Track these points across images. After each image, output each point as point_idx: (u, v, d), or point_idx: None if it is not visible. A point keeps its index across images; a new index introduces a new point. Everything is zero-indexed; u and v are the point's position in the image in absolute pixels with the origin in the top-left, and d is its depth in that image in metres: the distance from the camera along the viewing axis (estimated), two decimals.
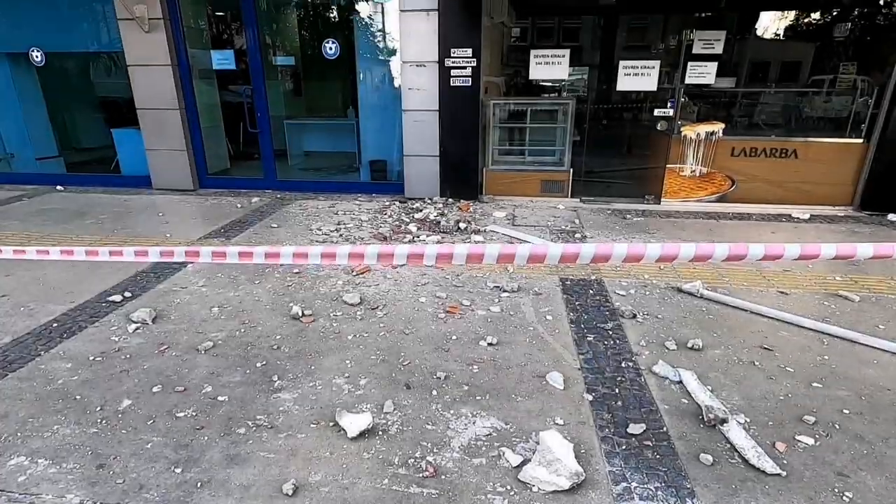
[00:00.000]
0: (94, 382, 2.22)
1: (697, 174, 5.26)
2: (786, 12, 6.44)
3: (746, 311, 2.86)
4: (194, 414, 2.00)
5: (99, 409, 2.04)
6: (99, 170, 6.60)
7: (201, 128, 5.95)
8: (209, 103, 6.11)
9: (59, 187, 6.16)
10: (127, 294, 3.09)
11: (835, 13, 5.59)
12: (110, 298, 3.03)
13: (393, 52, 5.55)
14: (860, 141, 4.94)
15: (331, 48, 5.48)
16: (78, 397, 2.11)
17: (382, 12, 5.72)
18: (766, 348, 2.47)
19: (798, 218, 4.79)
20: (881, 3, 5.09)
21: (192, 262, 3.47)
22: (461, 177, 5.35)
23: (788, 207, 5.05)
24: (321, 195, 5.74)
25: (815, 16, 6.39)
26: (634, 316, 2.80)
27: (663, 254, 1.46)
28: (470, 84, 5.00)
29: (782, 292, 3.10)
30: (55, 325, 2.74)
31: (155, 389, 2.16)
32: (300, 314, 2.81)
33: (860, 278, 3.31)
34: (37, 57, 6.04)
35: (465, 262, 1.59)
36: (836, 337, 2.57)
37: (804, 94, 5.70)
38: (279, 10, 6.55)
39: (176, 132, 5.78)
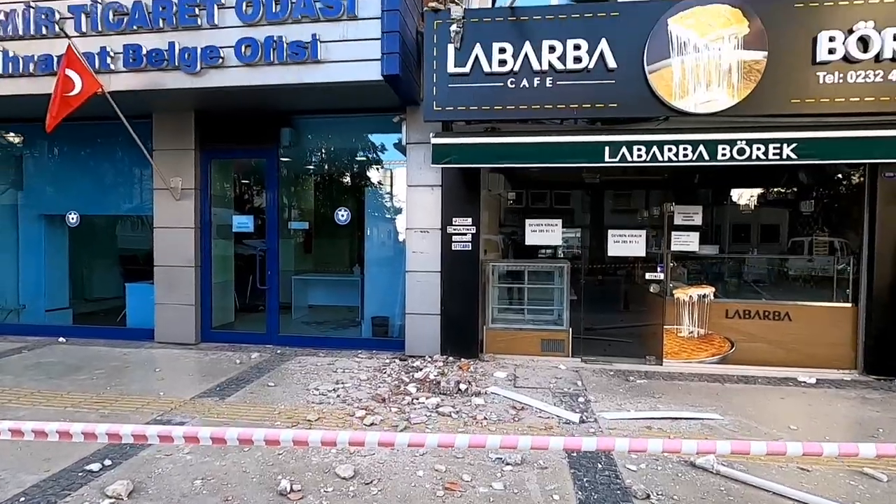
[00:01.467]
0: None
1: (696, 335, 5.31)
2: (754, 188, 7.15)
3: (768, 491, 2.65)
4: None
5: None
6: (105, 321, 6.70)
7: (212, 283, 6.20)
8: (223, 255, 6.46)
9: (61, 339, 6.18)
10: (107, 462, 2.91)
11: (796, 190, 6.20)
12: (88, 467, 2.85)
13: (399, 219, 6.06)
14: (849, 305, 5.09)
15: (343, 215, 5.99)
16: None
17: (391, 184, 6.39)
18: None
19: (804, 382, 4.70)
20: (838, 177, 5.67)
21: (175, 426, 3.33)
22: (461, 335, 5.41)
23: (792, 370, 4.99)
24: (322, 350, 5.73)
25: (781, 189, 7.07)
26: (648, 496, 2.59)
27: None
28: (470, 248, 5.36)
29: (803, 469, 2.91)
30: (22, 499, 2.54)
31: None
32: (288, 489, 2.62)
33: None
34: (72, 219, 6.59)
35: (467, 446, 1.55)
36: None
37: (786, 258, 6.04)
38: (298, 178, 7.30)
39: (188, 288, 6.01)
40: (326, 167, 6.74)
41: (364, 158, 6.58)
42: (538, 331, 5.60)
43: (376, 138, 6.32)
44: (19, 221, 6.89)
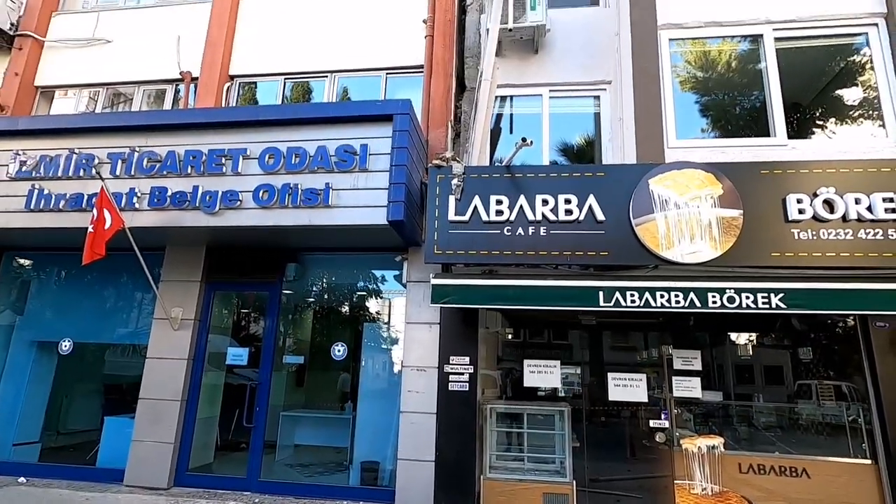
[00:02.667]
0: None
1: (710, 492, 4.92)
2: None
3: None
4: None
5: None
6: (74, 458, 6.23)
7: (196, 419, 5.91)
8: (213, 385, 6.24)
9: (21, 479, 5.70)
10: None
11: (793, 335, 6.24)
12: None
13: (395, 356, 6.00)
14: (868, 462, 4.81)
15: (339, 350, 5.96)
16: None
17: (389, 320, 6.45)
18: None
19: None
20: (831, 322, 5.73)
21: None
22: (457, 486, 5.01)
23: None
24: (304, 500, 5.25)
25: (778, 334, 7.09)
26: None
27: None
28: (467, 389, 5.22)
29: None
30: None
31: None
32: None
33: None
34: (65, 346, 6.52)
35: None
36: None
37: (794, 404, 5.83)
38: (298, 310, 7.37)
39: (170, 423, 5.72)
40: (327, 301, 6.86)
41: (364, 294, 6.73)
42: (540, 482, 5.20)
43: (378, 275, 6.54)
44: (10, 346, 6.79)
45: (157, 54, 7.24)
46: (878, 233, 4.52)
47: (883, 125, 5.20)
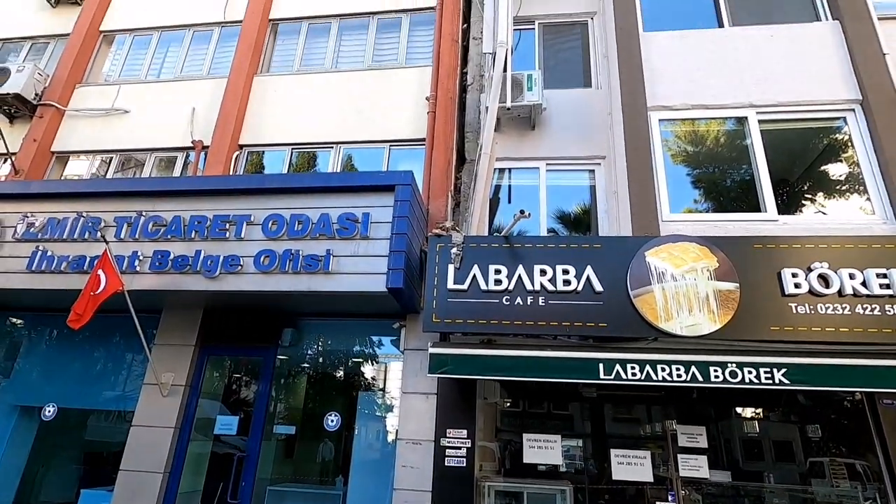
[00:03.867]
0: None
1: None
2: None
3: None
4: None
5: None
6: None
7: (178, 493, 5.60)
8: (198, 454, 5.94)
9: None
10: None
11: (800, 410, 6.06)
12: None
13: (390, 427, 5.79)
14: None
15: (332, 420, 5.77)
16: None
17: (385, 389, 6.28)
18: None
19: None
20: (837, 398, 5.59)
21: None
22: None
23: None
24: None
25: (785, 409, 6.88)
26: None
27: None
28: (465, 465, 5.00)
29: None
30: None
31: None
32: None
33: None
34: (48, 412, 6.30)
35: None
36: None
37: (808, 483, 5.55)
38: (292, 376, 7.19)
39: (150, 498, 5.42)
40: (322, 367, 6.72)
41: (360, 361, 6.61)
42: None
43: (375, 342, 6.47)
44: None
45: (171, 124, 7.59)
46: (875, 308, 4.53)
47: (869, 201, 5.37)
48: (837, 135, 5.70)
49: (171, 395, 5.83)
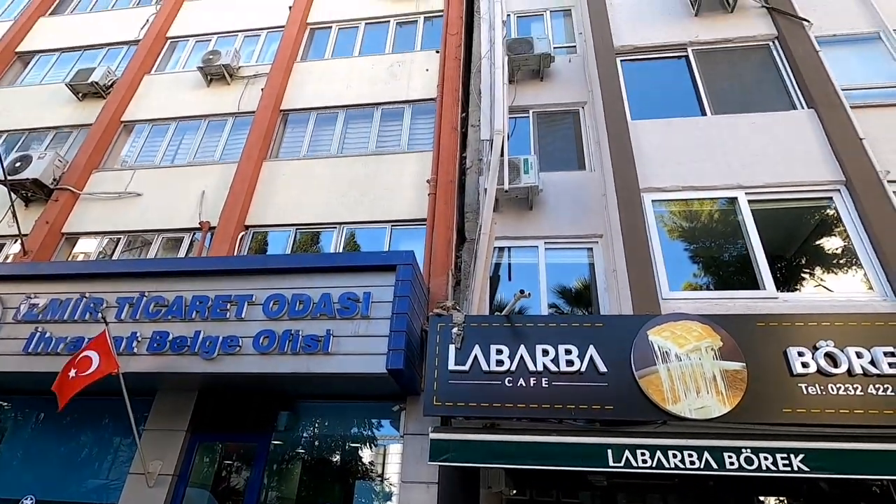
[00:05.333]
0: None
1: None
2: None
3: None
4: None
5: None
6: None
7: None
8: None
9: None
10: None
11: (825, 500, 5.70)
12: None
13: None
14: None
15: None
16: None
17: (384, 476, 5.95)
18: None
19: None
20: (862, 485, 5.25)
21: None
22: None
23: None
24: None
25: (809, 499, 6.47)
26: None
27: None
28: None
29: None
30: None
31: None
32: None
33: None
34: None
35: None
36: None
37: None
38: (286, 462, 6.83)
39: None
40: (318, 453, 6.40)
41: (358, 446, 6.31)
42: None
43: (373, 427, 6.22)
44: None
45: (180, 206, 7.85)
46: (887, 388, 4.41)
47: (867, 277, 5.40)
48: (828, 210, 5.86)
49: (158, 485, 5.53)
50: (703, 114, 6.70)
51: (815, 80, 6.48)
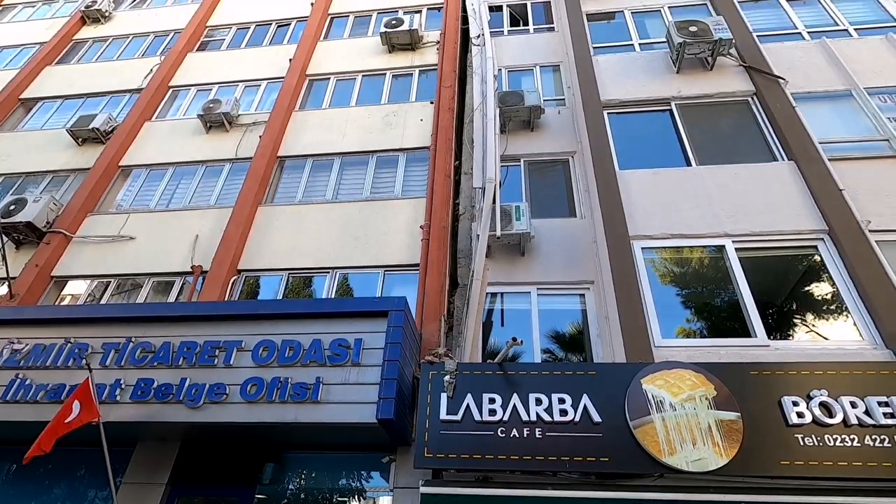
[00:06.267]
0: None
1: None
2: None
3: None
4: None
5: None
6: None
7: None
8: None
9: None
10: None
11: None
12: None
13: None
14: None
15: None
16: None
17: None
18: None
19: None
20: None
21: None
22: None
23: None
24: None
25: None
26: None
27: None
28: None
29: None
30: None
31: None
32: None
33: None
34: None
35: None
36: None
37: None
38: None
39: None
40: None
41: (346, 500, 6.05)
42: None
43: (362, 480, 5.99)
44: None
45: (173, 249, 7.85)
46: (884, 439, 4.36)
47: (856, 325, 5.43)
48: (815, 258, 5.96)
49: None
50: (689, 164, 6.92)
51: (794, 134, 6.76)
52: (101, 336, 5.80)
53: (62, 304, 7.90)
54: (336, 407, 5.00)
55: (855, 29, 8.23)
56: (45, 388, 5.48)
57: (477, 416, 4.80)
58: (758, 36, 8.21)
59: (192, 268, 7.51)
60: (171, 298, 7.49)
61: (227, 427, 5.18)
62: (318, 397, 5.04)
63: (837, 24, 8.37)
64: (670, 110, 7.64)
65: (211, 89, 10.69)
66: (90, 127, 9.65)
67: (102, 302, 7.64)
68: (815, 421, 4.48)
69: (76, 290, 8.04)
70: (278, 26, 12.02)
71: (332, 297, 7.02)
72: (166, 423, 5.22)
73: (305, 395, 5.07)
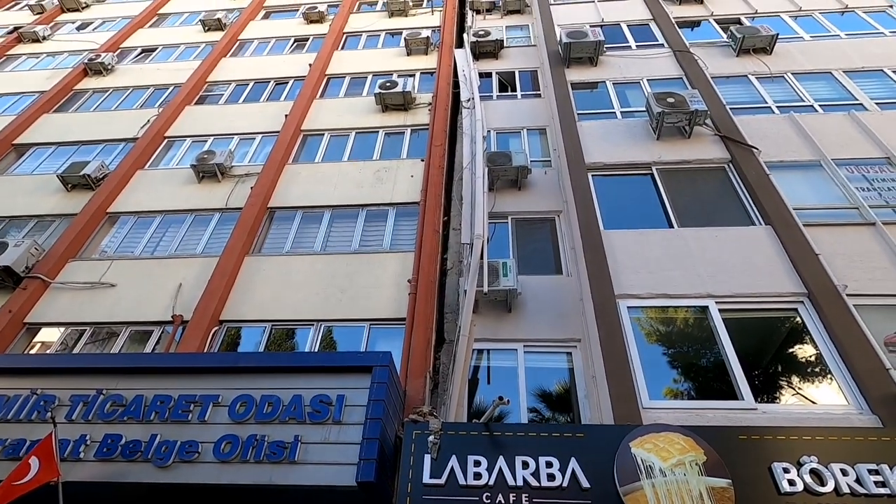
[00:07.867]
0: None
1: None
2: None
3: None
4: None
5: None
6: None
7: None
8: None
9: None
10: None
11: None
12: None
13: None
14: None
15: None
16: None
17: None
18: None
19: None
20: None
21: None
22: None
23: None
24: None
25: None
26: None
27: None
28: None
29: None
30: None
31: None
32: None
33: None
34: None
35: None
36: None
37: None
38: None
39: None
40: None
41: None
42: None
43: None
44: None
45: (154, 298, 7.68)
46: None
47: (841, 390, 5.43)
48: (797, 319, 6.03)
49: None
50: (671, 226, 7.12)
51: (769, 200, 7.04)
52: (69, 387, 5.55)
53: (31, 352, 7.59)
54: (314, 468, 4.77)
55: (820, 105, 8.81)
56: (2, 444, 5.15)
57: (461, 480, 4.60)
58: (731, 108, 8.73)
59: (172, 317, 7.33)
60: (148, 349, 7.25)
61: (197, 489, 4.87)
62: (295, 457, 4.81)
63: (804, 101, 8.97)
64: (652, 174, 7.95)
65: (206, 140, 10.89)
66: (81, 173, 9.67)
67: (75, 351, 7.35)
68: (806, 489, 4.38)
69: (49, 337, 7.75)
70: (276, 84, 12.48)
71: (316, 350, 6.87)
72: (131, 484, 4.89)
73: (282, 454, 4.83)
